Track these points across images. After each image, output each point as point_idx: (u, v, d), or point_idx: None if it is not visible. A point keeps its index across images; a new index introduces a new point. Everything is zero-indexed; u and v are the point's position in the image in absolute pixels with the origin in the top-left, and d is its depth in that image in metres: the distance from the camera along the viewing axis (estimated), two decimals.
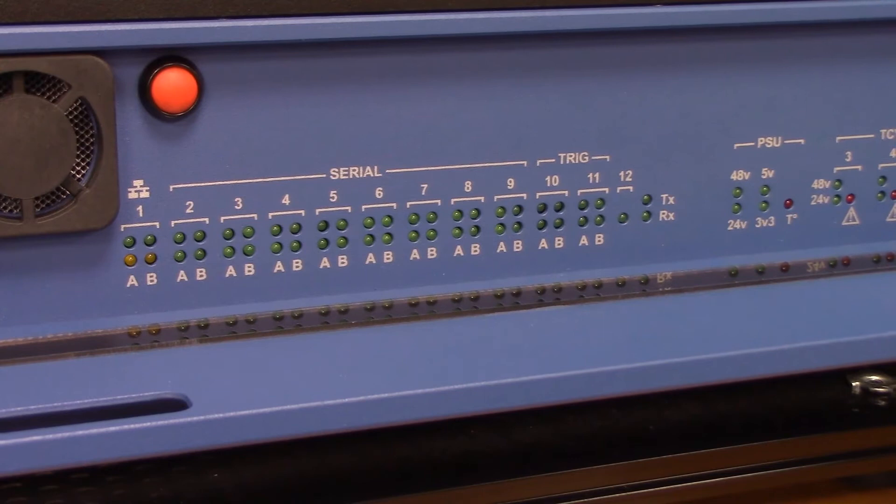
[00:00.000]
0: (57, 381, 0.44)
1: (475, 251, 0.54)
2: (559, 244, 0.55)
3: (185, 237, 0.50)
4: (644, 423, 0.49)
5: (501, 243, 0.54)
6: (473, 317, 0.51)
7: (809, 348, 0.50)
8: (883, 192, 0.60)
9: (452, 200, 0.53)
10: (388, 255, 0.53)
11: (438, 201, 0.53)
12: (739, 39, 0.55)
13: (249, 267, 0.51)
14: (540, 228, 0.54)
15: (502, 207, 0.54)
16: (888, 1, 0.56)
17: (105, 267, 0.49)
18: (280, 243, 0.51)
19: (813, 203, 0.58)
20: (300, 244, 0.51)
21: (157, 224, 0.49)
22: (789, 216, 0.58)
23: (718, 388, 0.50)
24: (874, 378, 0.52)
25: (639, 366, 0.48)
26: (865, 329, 0.51)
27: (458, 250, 0.54)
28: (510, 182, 0.53)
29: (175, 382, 0.44)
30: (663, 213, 0.56)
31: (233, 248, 0.50)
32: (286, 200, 0.51)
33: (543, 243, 0.55)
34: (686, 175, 0.56)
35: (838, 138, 0.58)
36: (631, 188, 0.55)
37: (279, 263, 0.51)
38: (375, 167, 0.52)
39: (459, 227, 0.53)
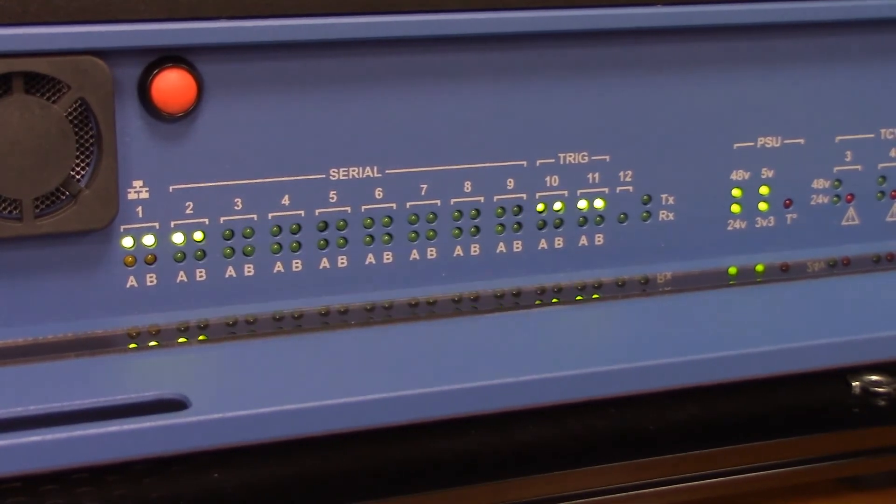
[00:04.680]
0: (57, 381, 0.44)
1: (475, 251, 0.54)
2: (559, 244, 0.55)
3: (184, 238, 0.50)
4: (644, 423, 0.49)
5: (501, 243, 0.54)
6: (473, 317, 0.51)
7: (809, 348, 0.50)
8: (883, 192, 0.60)
9: (452, 201, 0.53)
10: (387, 255, 0.52)
11: (438, 201, 0.53)
12: (739, 39, 0.55)
13: (249, 267, 0.51)
14: (540, 228, 0.54)
15: (502, 207, 0.54)
16: (888, 1, 0.56)
17: (105, 267, 0.49)
18: (280, 244, 0.51)
19: (813, 203, 0.58)
20: (300, 244, 0.51)
21: (156, 225, 0.49)
22: (789, 216, 0.58)
23: (718, 388, 0.49)
24: (874, 378, 0.52)
25: (639, 366, 0.47)
26: (865, 329, 0.51)
27: (458, 250, 0.53)
28: (510, 182, 0.53)
29: (175, 382, 0.44)
30: (663, 213, 0.56)
31: (232, 249, 0.50)
32: (286, 201, 0.51)
33: (543, 243, 0.55)
34: (686, 175, 0.56)
35: (838, 138, 0.58)
36: (631, 188, 0.55)
37: (279, 264, 0.51)
38: (375, 167, 0.51)
39: (459, 228, 0.53)
